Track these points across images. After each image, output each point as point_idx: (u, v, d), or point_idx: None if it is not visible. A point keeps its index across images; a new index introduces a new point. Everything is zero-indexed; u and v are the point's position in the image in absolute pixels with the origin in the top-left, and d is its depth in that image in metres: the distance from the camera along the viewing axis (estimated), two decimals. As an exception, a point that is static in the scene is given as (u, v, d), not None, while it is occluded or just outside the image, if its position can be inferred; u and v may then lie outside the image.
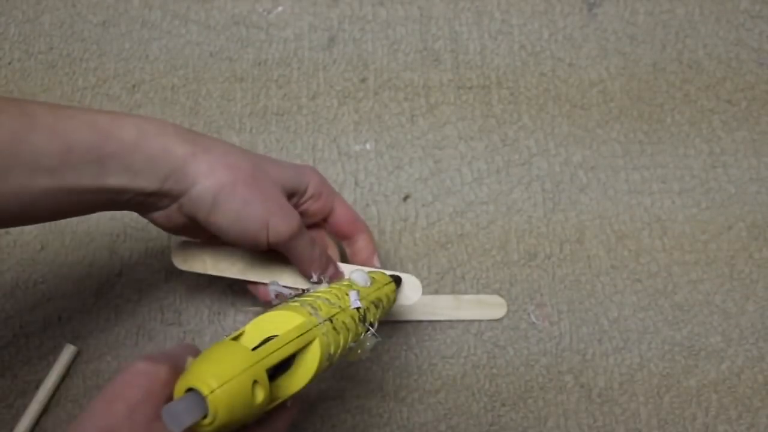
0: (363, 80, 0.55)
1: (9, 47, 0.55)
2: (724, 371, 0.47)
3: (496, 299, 0.48)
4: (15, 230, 0.49)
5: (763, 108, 0.54)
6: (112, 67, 0.55)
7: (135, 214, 0.36)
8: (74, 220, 0.49)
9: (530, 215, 0.51)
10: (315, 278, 0.40)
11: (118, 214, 0.49)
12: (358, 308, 0.35)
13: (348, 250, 0.43)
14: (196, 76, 0.54)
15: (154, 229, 0.49)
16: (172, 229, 0.38)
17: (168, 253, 0.48)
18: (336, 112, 0.54)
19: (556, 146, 0.53)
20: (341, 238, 0.43)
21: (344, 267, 0.42)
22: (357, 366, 0.46)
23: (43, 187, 0.30)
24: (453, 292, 0.48)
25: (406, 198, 0.51)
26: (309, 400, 0.45)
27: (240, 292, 0.48)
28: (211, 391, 0.26)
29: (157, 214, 0.36)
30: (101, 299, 0.48)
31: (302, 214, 0.39)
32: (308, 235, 0.38)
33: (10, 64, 0.54)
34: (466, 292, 0.48)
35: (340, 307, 0.35)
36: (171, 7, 0.57)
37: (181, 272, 0.50)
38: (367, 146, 0.53)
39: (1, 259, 0.48)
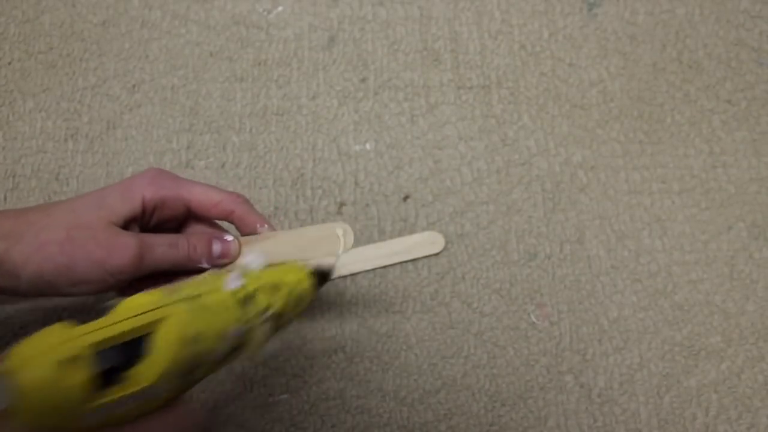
0: (363, 80, 0.55)
1: (9, 47, 0.55)
2: (724, 371, 0.47)
3: (433, 235, 0.48)
4: (15, 230, 0.49)
5: (763, 108, 0.54)
6: (112, 67, 0.55)
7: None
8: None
9: (530, 215, 0.51)
10: (207, 266, 0.38)
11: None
12: (238, 288, 0.31)
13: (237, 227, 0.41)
14: (196, 76, 0.54)
15: (154, 229, 0.49)
16: None
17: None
18: (336, 112, 0.54)
19: (556, 146, 0.53)
20: (223, 220, 0.40)
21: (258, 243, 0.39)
22: (357, 366, 0.46)
23: None
24: (452, 292, 0.48)
25: (406, 198, 0.51)
26: (309, 400, 0.45)
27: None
28: (14, 370, 0.23)
29: None
30: (101, 298, 0.48)
31: (159, 229, 0.39)
32: (162, 245, 0.37)
33: (10, 64, 0.54)
34: (465, 292, 0.48)
35: (216, 287, 0.31)
36: (171, 7, 0.57)
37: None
38: (367, 146, 0.53)
39: (1, 259, 0.48)
